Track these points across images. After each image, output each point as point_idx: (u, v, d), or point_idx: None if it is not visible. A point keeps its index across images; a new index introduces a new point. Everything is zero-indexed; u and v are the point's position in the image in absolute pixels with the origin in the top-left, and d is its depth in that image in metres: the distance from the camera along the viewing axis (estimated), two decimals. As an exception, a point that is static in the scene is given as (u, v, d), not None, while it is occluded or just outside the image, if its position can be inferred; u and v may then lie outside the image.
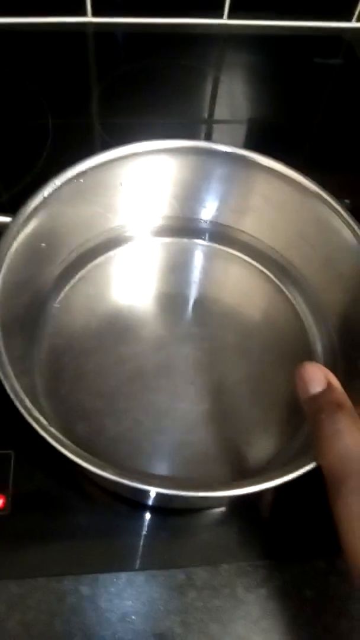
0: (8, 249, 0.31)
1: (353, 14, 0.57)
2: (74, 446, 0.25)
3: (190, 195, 0.39)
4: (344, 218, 0.34)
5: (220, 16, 0.57)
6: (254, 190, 0.37)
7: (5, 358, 0.27)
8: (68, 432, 0.32)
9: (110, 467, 0.25)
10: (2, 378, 0.26)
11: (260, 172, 0.36)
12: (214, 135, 0.51)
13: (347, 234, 0.34)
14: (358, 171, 0.49)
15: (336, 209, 0.34)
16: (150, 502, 0.32)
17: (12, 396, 0.26)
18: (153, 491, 0.25)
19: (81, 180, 0.34)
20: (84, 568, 0.31)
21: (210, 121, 0.53)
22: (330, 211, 0.34)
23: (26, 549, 0.31)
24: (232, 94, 0.54)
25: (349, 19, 0.58)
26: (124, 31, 0.57)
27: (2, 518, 0.31)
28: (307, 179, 0.35)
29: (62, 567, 0.31)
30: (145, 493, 0.27)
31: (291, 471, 0.26)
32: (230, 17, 0.57)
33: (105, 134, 0.49)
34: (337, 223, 0.34)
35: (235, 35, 0.58)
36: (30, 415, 0.25)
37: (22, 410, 0.25)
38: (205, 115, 0.53)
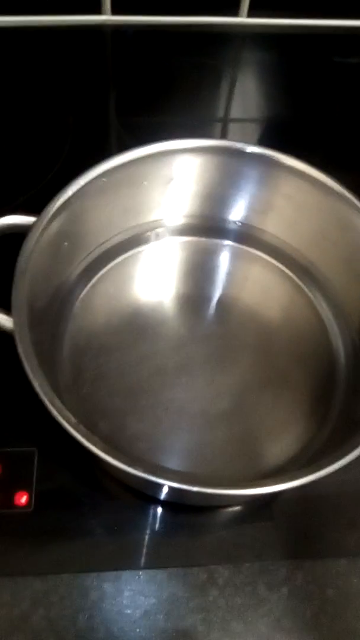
0: (33, 248, 0.31)
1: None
2: (103, 444, 0.25)
3: (212, 195, 0.39)
4: (366, 218, 0.34)
5: (238, 14, 0.57)
6: (277, 190, 0.38)
7: (33, 357, 0.27)
8: (90, 430, 0.33)
9: (139, 464, 0.25)
10: (31, 377, 0.26)
11: (283, 172, 0.36)
12: (232, 134, 0.51)
13: (369, 234, 0.34)
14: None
15: (358, 208, 0.34)
16: (171, 499, 0.32)
17: (41, 395, 0.26)
18: (177, 487, 0.25)
19: (104, 180, 0.34)
20: (107, 565, 0.31)
21: (227, 119, 0.52)
22: (353, 211, 0.34)
23: (49, 545, 0.31)
24: (249, 93, 0.54)
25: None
26: (142, 30, 0.57)
27: (26, 515, 0.31)
28: (330, 178, 0.35)
29: (85, 564, 0.31)
30: (168, 490, 0.27)
31: (311, 472, 0.26)
32: (248, 15, 0.57)
33: (124, 131, 0.49)
34: (359, 222, 0.34)
35: (253, 34, 0.57)
36: (60, 413, 0.25)
37: (52, 409, 0.26)
38: (222, 113, 0.53)
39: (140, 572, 0.31)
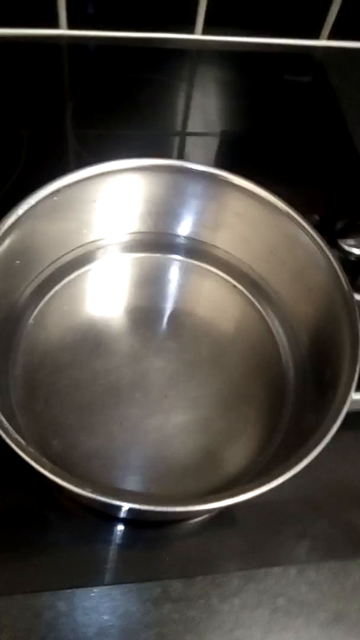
0: (-18, 267, 0.31)
1: (322, 32, 0.59)
2: (53, 465, 0.26)
3: (163, 212, 0.40)
4: (311, 235, 0.35)
5: (194, 32, 0.58)
6: (226, 207, 0.38)
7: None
8: (44, 447, 0.33)
9: (87, 485, 0.25)
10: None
11: (232, 190, 0.37)
12: (187, 149, 0.52)
13: (314, 250, 0.35)
14: (326, 187, 0.50)
15: (303, 227, 0.35)
16: (125, 516, 0.32)
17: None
18: (126, 507, 0.25)
19: (55, 198, 0.35)
20: (61, 583, 0.31)
21: (184, 134, 0.53)
22: (298, 228, 0.35)
23: (2, 565, 0.31)
24: (204, 109, 0.55)
25: (318, 37, 0.59)
26: (99, 44, 0.57)
27: (-22, 535, 0.31)
28: (276, 198, 0.36)
29: (39, 583, 0.31)
30: (119, 508, 0.28)
31: (260, 485, 0.27)
32: (203, 33, 0.58)
33: (80, 146, 0.49)
34: (305, 240, 0.35)
35: (207, 51, 0.59)
36: (9, 436, 0.25)
37: (1, 432, 0.26)
38: (178, 128, 0.54)
39: (95, 589, 0.31)
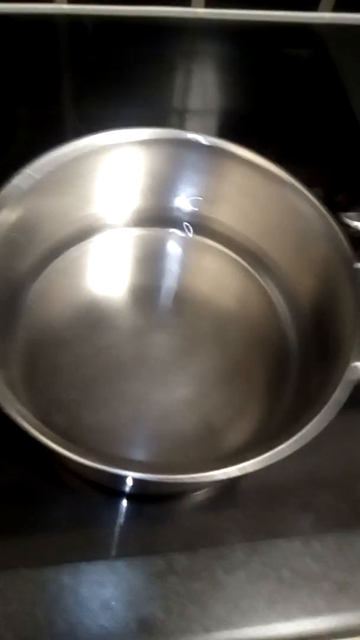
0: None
1: (322, 5, 0.58)
2: (57, 437, 0.25)
3: (164, 185, 0.39)
4: (314, 205, 0.34)
5: (192, 5, 0.57)
6: (228, 180, 0.38)
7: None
8: (46, 423, 0.32)
9: (91, 454, 0.25)
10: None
11: (233, 162, 0.36)
12: (187, 124, 0.52)
13: (317, 220, 0.34)
14: (327, 161, 0.50)
15: (307, 197, 0.35)
16: (128, 489, 0.32)
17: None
18: (133, 476, 0.25)
19: (54, 169, 0.34)
20: (64, 557, 0.31)
21: (183, 111, 0.53)
22: (301, 199, 0.35)
23: (5, 541, 0.31)
24: (204, 84, 0.54)
25: (318, 10, 0.58)
26: (98, 20, 0.56)
27: (-20, 511, 0.31)
28: (279, 168, 0.35)
29: (42, 558, 0.31)
30: (123, 479, 0.27)
31: (263, 459, 0.26)
32: (204, 6, 0.57)
33: (80, 123, 0.48)
34: (308, 210, 0.35)
35: (206, 26, 0.57)
36: (13, 407, 0.25)
37: (3, 402, 0.25)
38: (178, 104, 0.53)
39: (99, 563, 0.31)
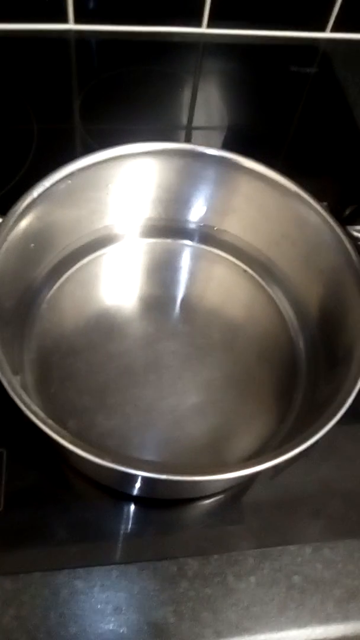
0: (-1, 250, 0.31)
1: (327, 24, 0.59)
2: (72, 437, 0.26)
3: (175, 197, 0.40)
4: (322, 216, 0.35)
5: (199, 25, 0.59)
6: (237, 192, 0.39)
7: (2, 356, 0.27)
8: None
9: (108, 455, 0.25)
10: (0, 375, 0.27)
11: (243, 174, 0.37)
12: (195, 140, 0.53)
13: (325, 230, 0.35)
14: (334, 175, 0.51)
15: (315, 208, 0.35)
16: (140, 492, 0.32)
17: (10, 391, 0.26)
18: (147, 476, 0.25)
19: (69, 182, 0.35)
20: (78, 561, 0.31)
21: (190, 127, 0.54)
22: (310, 210, 0.36)
23: (20, 544, 0.31)
24: (210, 101, 0.56)
25: (324, 29, 0.60)
26: (106, 38, 0.58)
27: (-5, 515, 0.31)
28: (287, 179, 0.36)
29: (56, 562, 0.31)
30: (137, 480, 0.28)
31: (272, 459, 0.27)
32: (209, 26, 0.59)
33: (90, 138, 0.50)
34: (316, 221, 0.36)
35: (213, 44, 0.59)
36: (29, 408, 0.26)
37: (20, 404, 0.26)
38: (185, 121, 0.54)
39: (111, 568, 0.31)
